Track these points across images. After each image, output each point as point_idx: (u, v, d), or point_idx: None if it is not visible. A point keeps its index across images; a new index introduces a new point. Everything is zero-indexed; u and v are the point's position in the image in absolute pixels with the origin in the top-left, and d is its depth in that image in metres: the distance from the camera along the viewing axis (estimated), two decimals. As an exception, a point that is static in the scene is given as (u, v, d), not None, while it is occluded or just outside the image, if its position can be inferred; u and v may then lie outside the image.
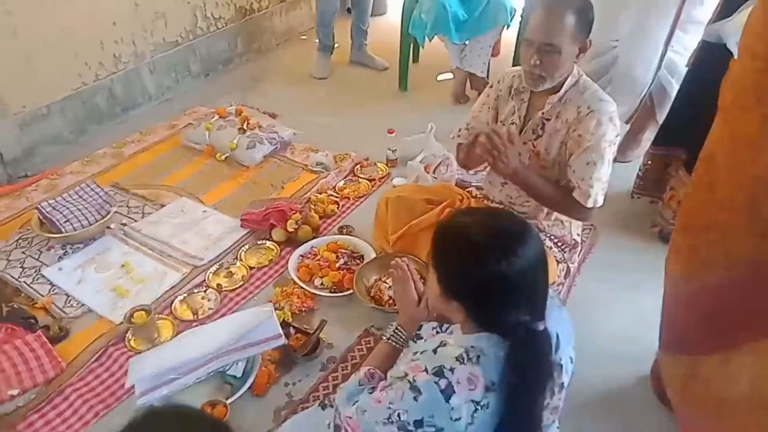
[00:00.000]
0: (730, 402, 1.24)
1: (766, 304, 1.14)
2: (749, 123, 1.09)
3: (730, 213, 1.15)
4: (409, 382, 1.01)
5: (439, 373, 1.00)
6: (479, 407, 1.00)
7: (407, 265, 1.42)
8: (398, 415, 1.00)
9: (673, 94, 2.21)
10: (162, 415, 0.88)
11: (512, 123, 1.75)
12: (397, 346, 1.33)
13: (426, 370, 1.01)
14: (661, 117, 2.34)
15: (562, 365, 1.10)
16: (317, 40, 3.42)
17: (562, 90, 1.61)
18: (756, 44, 1.08)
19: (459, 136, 1.89)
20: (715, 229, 1.20)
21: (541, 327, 1.01)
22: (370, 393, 1.11)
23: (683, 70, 2.15)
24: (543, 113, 1.66)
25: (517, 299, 0.99)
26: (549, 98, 1.63)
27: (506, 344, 1.02)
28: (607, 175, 1.61)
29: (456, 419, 0.98)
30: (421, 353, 1.09)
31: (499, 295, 0.99)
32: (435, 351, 1.07)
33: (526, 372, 1.01)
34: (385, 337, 1.37)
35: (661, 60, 2.27)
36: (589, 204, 1.61)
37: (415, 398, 0.99)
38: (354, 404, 1.13)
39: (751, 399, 1.18)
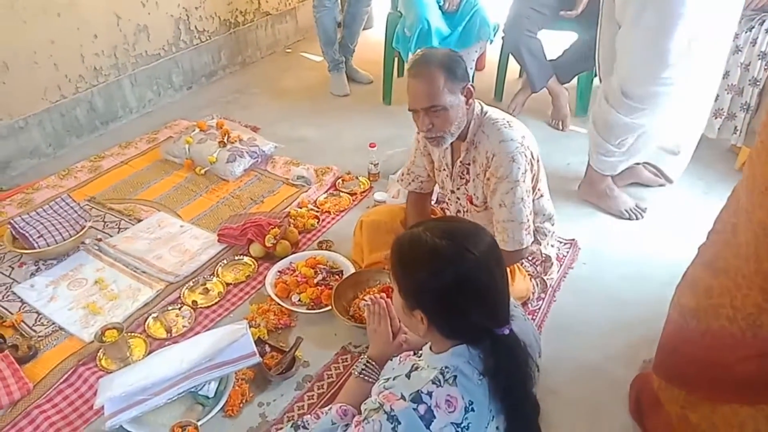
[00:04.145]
0: None
1: (757, 370, 1.11)
2: (766, 164, 1.05)
3: (744, 261, 1.12)
4: (386, 412, 0.99)
5: (416, 399, 0.98)
6: (460, 429, 0.98)
7: (386, 302, 1.41)
8: None
9: None
10: None
11: (444, 169, 1.78)
12: (369, 380, 1.31)
13: (403, 397, 0.99)
14: None
15: (532, 375, 1.09)
16: (327, 62, 3.40)
17: (469, 135, 1.63)
18: None
19: (403, 181, 1.94)
20: (728, 274, 1.17)
21: (506, 331, 1.00)
22: (344, 431, 1.09)
23: None
24: (461, 160, 1.69)
25: (476, 302, 0.99)
26: (461, 145, 1.66)
27: (477, 354, 1.01)
28: (521, 213, 1.60)
29: None
30: (394, 379, 1.07)
31: (458, 298, 0.99)
32: (408, 376, 1.05)
33: (505, 376, 1.00)
34: (356, 372, 1.36)
35: None
36: (509, 247, 1.61)
37: (394, 428, 0.97)
38: None
39: None
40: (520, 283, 1.77)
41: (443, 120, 1.54)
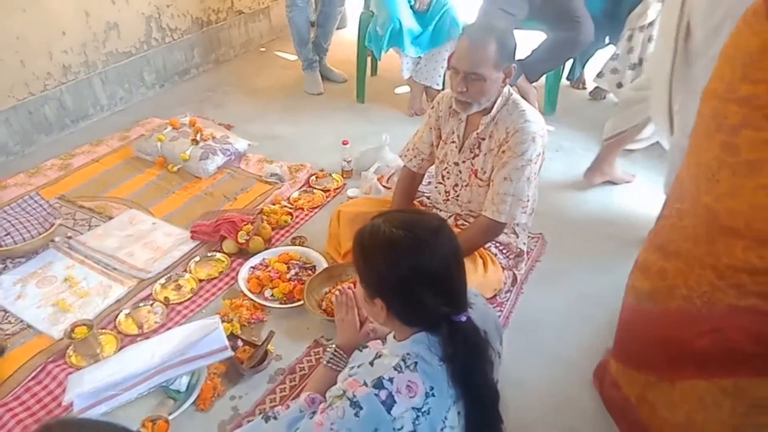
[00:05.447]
0: (668, 429, 1.28)
1: (710, 345, 1.16)
2: (708, 151, 1.10)
3: (693, 243, 1.18)
4: (349, 398, 1.01)
5: (378, 384, 1.01)
6: (420, 414, 1.01)
7: (353, 292, 1.44)
8: None
9: None
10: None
11: (452, 142, 1.81)
12: (337, 368, 1.34)
13: (365, 383, 1.02)
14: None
15: (492, 362, 1.12)
16: (300, 60, 3.41)
17: (494, 110, 1.69)
18: (722, 67, 1.10)
19: (405, 156, 1.97)
20: (679, 256, 1.22)
21: (463, 318, 1.04)
22: (311, 418, 1.11)
23: None
24: (478, 133, 1.74)
25: (432, 291, 1.02)
26: (482, 119, 1.71)
27: (437, 341, 1.04)
28: (524, 192, 1.67)
29: (398, 429, 0.99)
30: (358, 367, 1.10)
31: (416, 286, 1.02)
32: (372, 363, 1.08)
33: (462, 362, 1.03)
34: (324, 361, 1.38)
35: None
36: (503, 219, 1.68)
37: (356, 414, 1.00)
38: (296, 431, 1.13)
39: (685, 429, 1.22)
40: (492, 274, 1.81)
41: (478, 89, 1.60)
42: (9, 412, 1.54)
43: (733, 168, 1.07)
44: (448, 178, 1.88)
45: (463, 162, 1.80)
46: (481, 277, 1.76)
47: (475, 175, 1.78)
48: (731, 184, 1.08)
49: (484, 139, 1.74)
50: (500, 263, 1.83)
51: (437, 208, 1.98)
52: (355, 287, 1.64)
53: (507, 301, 1.92)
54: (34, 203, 2.18)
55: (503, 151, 1.68)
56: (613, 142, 2.36)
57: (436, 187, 1.94)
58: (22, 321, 1.82)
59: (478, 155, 1.76)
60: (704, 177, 1.12)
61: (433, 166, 1.96)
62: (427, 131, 1.90)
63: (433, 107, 1.87)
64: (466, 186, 1.83)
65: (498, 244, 1.85)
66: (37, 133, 2.79)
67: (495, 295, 1.88)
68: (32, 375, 1.65)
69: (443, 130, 1.85)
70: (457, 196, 1.88)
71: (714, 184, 1.09)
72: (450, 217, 1.93)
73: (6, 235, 2.02)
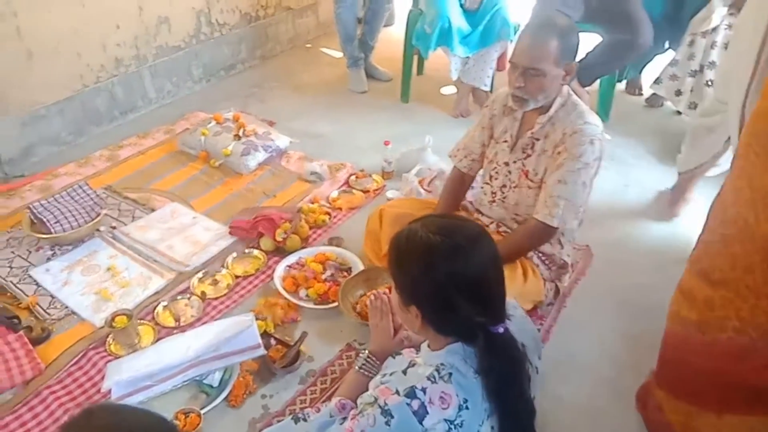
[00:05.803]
0: None
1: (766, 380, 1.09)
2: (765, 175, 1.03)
3: (744, 273, 1.10)
4: (380, 406, 0.99)
5: (410, 394, 0.99)
6: (453, 426, 0.98)
7: (388, 298, 1.41)
8: None
9: None
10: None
11: (504, 141, 1.75)
12: (369, 375, 1.32)
13: (397, 392, 1.00)
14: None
15: (530, 376, 1.08)
16: (346, 58, 3.40)
17: (552, 110, 1.62)
18: None
19: (455, 156, 1.93)
20: (728, 285, 1.15)
21: (500, 330, 1.00)
22: (341, 424, 1.10)
23: None
24: (533, 133, 1.67)
25: (469, 299, 0.99)
26: (539, 118, 1.65)
27: (473, 352, 1.01)
28: (579, 197, 1.60)
29: None
30: (391, 375, 1.08)
31: (451, 293, 0.99)
32: (405, 372, 1.06)
33: (498, 375, 1.00)
34: (356, 366, 1.36)
35: None
36: (555, 223, 1.61)
37: (387, 423, 0.98)
38: None
39: None
40: (532, 285, 1.75)
41: (536, 85, 1.55)
42: (52, 395, 1.59)
43: None
44: (496, 179, 1.81)
45: (514, 162, 1.74)
46: (520, 287, 1.69)
47: (526, 176, 1.71)
48: None
49: (538, 139, 1.67)
50: (542, 275, 1.76)
51: (481, 212, 1.92)
52: (390, 293, 1.62)
53: (548, 314, 1.85)
54: (83, 192, 2.25)
55: (559, 153, 1.61)
56: (693, 173, 2.24)
57: (482, 188, 1.88)
58: (67, 307, 1.88)
59: (530, 155, 1.70)
60: (764, 203, 1.03)
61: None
62: (480, 130, 1.85)
63: (487, 105, 1.82)
64: (514, 187, 1.77)
65: (540, 254, 1.78)
66: (88, 124, 2.88)
67: (535, 307, 1.81)
68: (74, 360, 1.70)
69: (496, 129, 1.79)
70: (504, 197, 1.81)
71: None
72: (492, 223, 1.87)
73: (56, 222, 2.09)
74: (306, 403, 1.59)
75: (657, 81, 2.75)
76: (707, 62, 2.53)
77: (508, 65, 1.62)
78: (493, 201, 1.84)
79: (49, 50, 2.61)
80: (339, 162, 2.65)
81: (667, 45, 2.92)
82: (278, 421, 1.50)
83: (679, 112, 2.82)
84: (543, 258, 1.79)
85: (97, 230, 2.17)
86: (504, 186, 1.80)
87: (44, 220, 2.08)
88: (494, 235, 1.77)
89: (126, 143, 2.80)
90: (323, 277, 1.96)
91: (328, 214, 2.31)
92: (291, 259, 2.05)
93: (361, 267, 1.99)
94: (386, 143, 2.54)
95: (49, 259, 2.07)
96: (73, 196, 2.23)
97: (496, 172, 1.81)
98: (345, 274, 1.99)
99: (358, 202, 2.41)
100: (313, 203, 2.36)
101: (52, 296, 1.92)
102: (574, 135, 1.58)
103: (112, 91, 2.94)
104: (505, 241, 1.73)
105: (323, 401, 1.52)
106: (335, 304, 1.84)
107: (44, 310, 1.87)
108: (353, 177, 2.55)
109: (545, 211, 1.62)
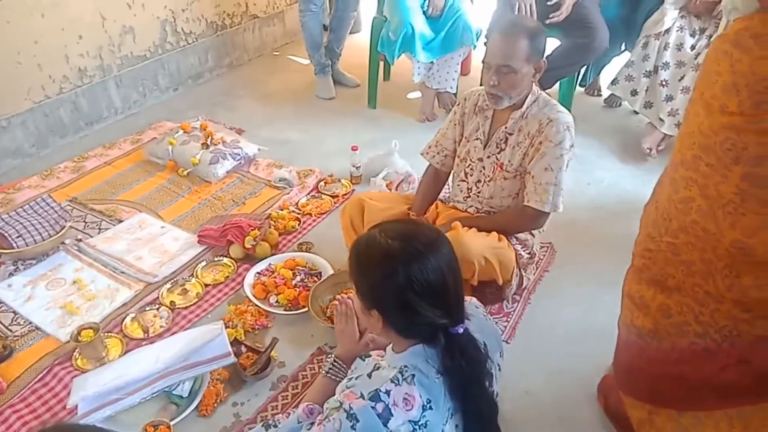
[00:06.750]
0: None
1: (738, 376, 1.13)
2: (725, 184, 1.05)
3: (703, 278, 1.13)
4: (346, 410, 1.01)
5: (374, 397, 1.00)
6: (417, 427, 1.00)
7: (352, 302, 1.43)
8: None
9: None
10: None
11: (476, 138, 1.82)
12: (336, 379, 1.33)
13: (362, 395, 1.01)
14: None
15: (492, 373, 1.11)
16: (313, 65, 3.42)
17: (524, 106, 1.73)
18: (724, 97, 1.03)
19: (428, 153, 1.99)
20: (684, 292, 1.18)
21: (460, 330, 1.02)
22: (309, 429, 1.11)
23: None
24: (506, 128, 1.77)
25: (428, 302, 1.01)
26: (512, 114, 1.75)
27: (434, 353, 1.03)
28: (563, 181, 1.72)
29: None
30: (356, 378, 1.09)
31: (411, 297, 1.01)
32: (370, 375, 1.07)
33: (461, 373, 1.02)
34: (323, 371, 1.38)
35: None
36: (547, 208, 1.72)
37: (352, 426, 0.99)
38: None
39: None
40: (506, 251, 1.76)
41: (509, 82, 1.65)
42: (15, 414, 1.56)
43: (762, 200, 1.03)
44: (471, 175, 1.88)
45: (488, 157, 1.82)
46: (495, 243, 1.72)
47: (501, 168, 1.79)
48: (764, 217, 1.03)
49: (512, 134, 1.77)
50: (516, 249, 1.80)
51: (456, 206, 1.95)
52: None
53: (513, 311, 1.89)
54: (46, 205, 2.21)
55: (540, 142, 1.70)
56: None
57: (458, 185, 1.94)
58: (30, 323, 1.84)
59: (504, 149, 1.79)
60: (723, 211, 1.07)
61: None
62: (452, 127, 1.92)
63: (459, 104, 1.89)
64: (489, 181, 1.84)
65: (516, 238, 1.83)
66: (52, 135, 2.83)
67: (504, 285, 1.81)
68: (39, 377, 1.67)
69: (467, 127, 1.87)
70: (479, 192, 1.88)
71: (739, 217, 1.05)
72: (470, 208, 1.91)
73: (18, 236, 2.05)
74: (278, 409, 1.60)
75: (614, 82, 2.83)
76: (661, 63, 2.62)
77: (482, 66, 1.71)
78: (468, 196, 1.91)
79: (9, 61, 2.56)
80: (308, 168, 2.66)
81: (623, 47, 3.01)
82: (249, 429, 1.51)
83: (636, 112, 2.91)
84: (517, 242, 1.84)
85: (62, 243, 2.14)
86: (479, 181, 1.87)
87: (5, 234, 2.04)
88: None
89: (92, 154, 2.76)
90: (293, 282, 1.97)
91: (298, 219, 2.32)
92: (261, 266, 2.05)
93: (331, 271, 2.01)
94: (354, 148, 2.56)
95: (11, 275, 2.03)
96: (36, 209, 2.19)
97: (471, 169, 1.87)
98: (315, 279, 2.00)
99: (327, 207, 2.42)
100: (282, 209, 2.37)
101: (15, 312, 1.88)
102: (550, 124, 1.69)
103: (76, 102, 2.90)
104: (498, 217, 1.83)
105: (295, 406, 1.53)
106: (305, 309, 1.85)
107: (6, 327, 1.83)
108: (322, 182, 2.57)
109: (536, 198, 1.72)
